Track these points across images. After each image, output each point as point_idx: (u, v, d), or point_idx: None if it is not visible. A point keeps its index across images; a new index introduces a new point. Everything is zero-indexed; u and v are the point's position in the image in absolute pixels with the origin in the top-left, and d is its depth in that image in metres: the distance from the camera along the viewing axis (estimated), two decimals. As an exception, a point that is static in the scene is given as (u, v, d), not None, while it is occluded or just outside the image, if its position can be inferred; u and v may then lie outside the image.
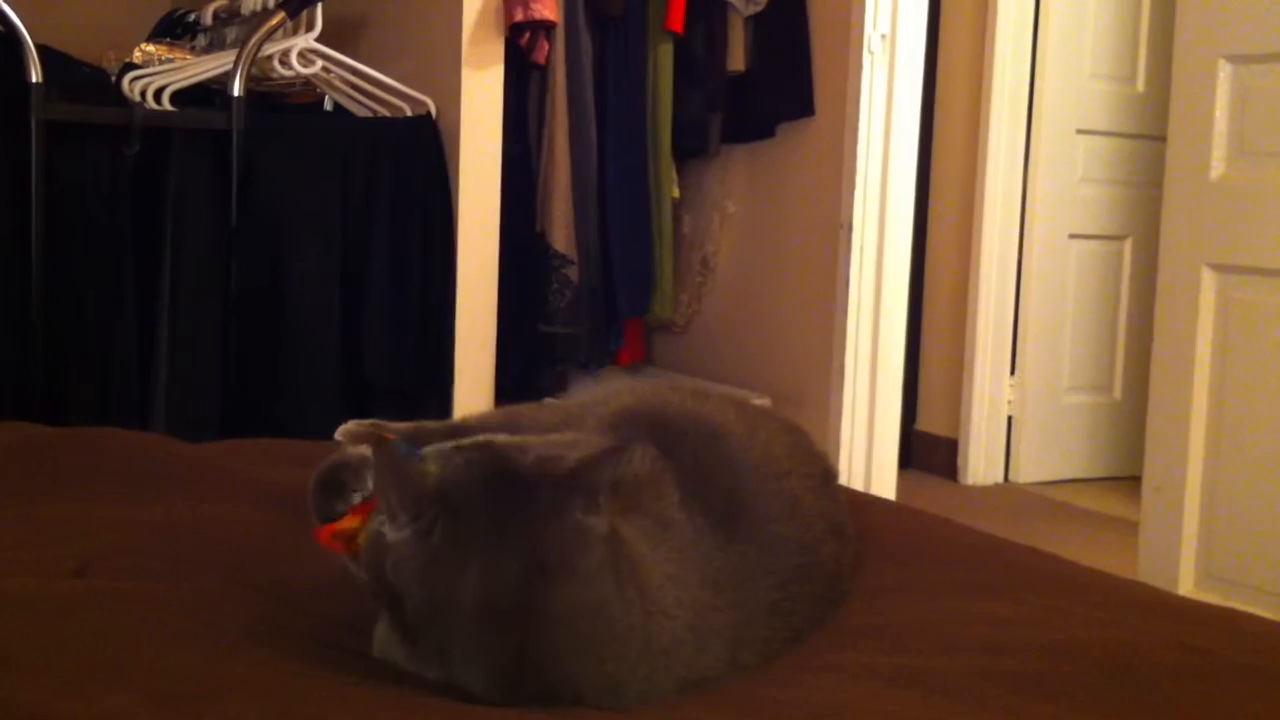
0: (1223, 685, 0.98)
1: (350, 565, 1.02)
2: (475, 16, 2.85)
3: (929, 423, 4.06)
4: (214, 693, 0.84)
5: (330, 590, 1.06)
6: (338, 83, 2.96)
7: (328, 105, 3.13)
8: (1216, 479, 2.55)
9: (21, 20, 2.46)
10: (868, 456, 3.18)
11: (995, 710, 0.91)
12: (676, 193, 3.50)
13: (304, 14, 2.77)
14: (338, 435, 1.27)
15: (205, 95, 2.81)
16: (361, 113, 2.98)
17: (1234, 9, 2.50)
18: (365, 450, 1.12)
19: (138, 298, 2.59)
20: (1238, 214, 2.50)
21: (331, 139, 2.80)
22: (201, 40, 3.14)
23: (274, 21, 2.69)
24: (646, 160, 3.34)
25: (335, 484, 1.10)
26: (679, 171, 3.51)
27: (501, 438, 0.95)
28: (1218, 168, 2.54)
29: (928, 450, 4.04)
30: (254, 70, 2.70)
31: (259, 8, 2.79)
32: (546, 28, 2.97)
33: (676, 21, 3.26)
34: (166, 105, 2.65)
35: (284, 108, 3.09)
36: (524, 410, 1.27)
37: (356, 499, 1.09)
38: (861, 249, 3.11)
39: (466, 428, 1.17)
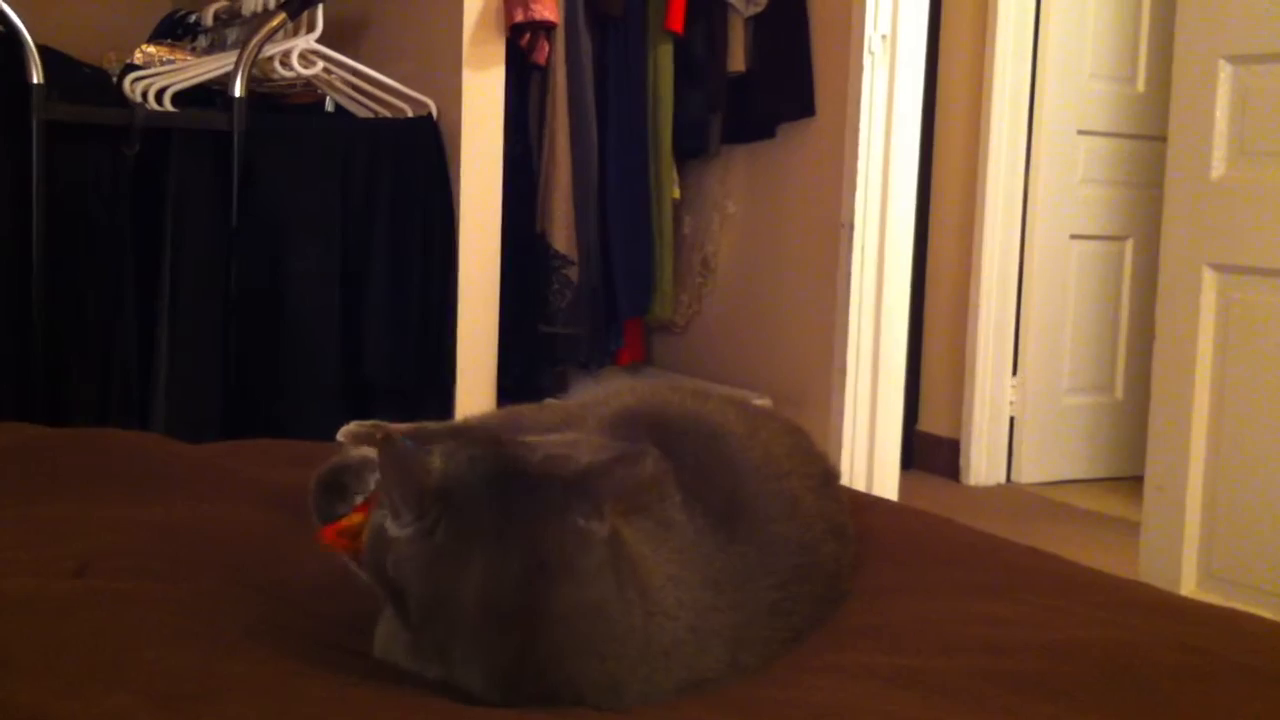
0: (1223, 685, 0.98)
1: (352, 564, 1.02)
2: (476, 17, 2.85)
3: (930, 423, 4.06)
4: (214, 693, 0.84)
5: (330, 590, 1.06)
6: (338, 84, 2.97)
7: (329, 106, 3.13)
8: (1218, 479, 2.55)
9: (22, 21, 2.46)
10: (869, 457, 3.18)
11: (995, 710, 0.91)
12: (677, 193, 3.50)
13: (305, 15, 2.77)
14: (339, 436, 1.27)
15: (206, 96, 2.81)
16: (362, 113, 2.98)
17: (1234, 9, 2.50)
18: (367, 452, 1.12)
19: (138, 298, 2.59)
20: (1238, 214, 2.50)
21: (332, 139, 2.80)
22: (202, 41, 3.14)
23: (275, 23, 2.69)
24: (647, 160, 3.34)
25: (336, 486, 1.10)
26: (679, 172, 3.51)
27: (506, 437, 0.95)
28: (1218, 168, 2.54)
29: (929, 451, 4.03)
30: (255, 71, 2.70)
31: (260, 9, 2.79)
32: (547, 28, 2.97)
33: (677, 22, 3.26)
34: (167, 106, 2.65)
35: (285, 108, 3.09)
36: (525, 411, 1.27)
37: (358, 501, 1.09)
38: (862, 249, 3.11)
39: (468, 429, 1.17)
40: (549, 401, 1.38)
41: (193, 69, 2.77)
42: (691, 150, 3.50)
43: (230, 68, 2.66)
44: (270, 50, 2.73)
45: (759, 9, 3.30)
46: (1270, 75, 2.46)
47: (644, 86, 3.32)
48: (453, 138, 2.87)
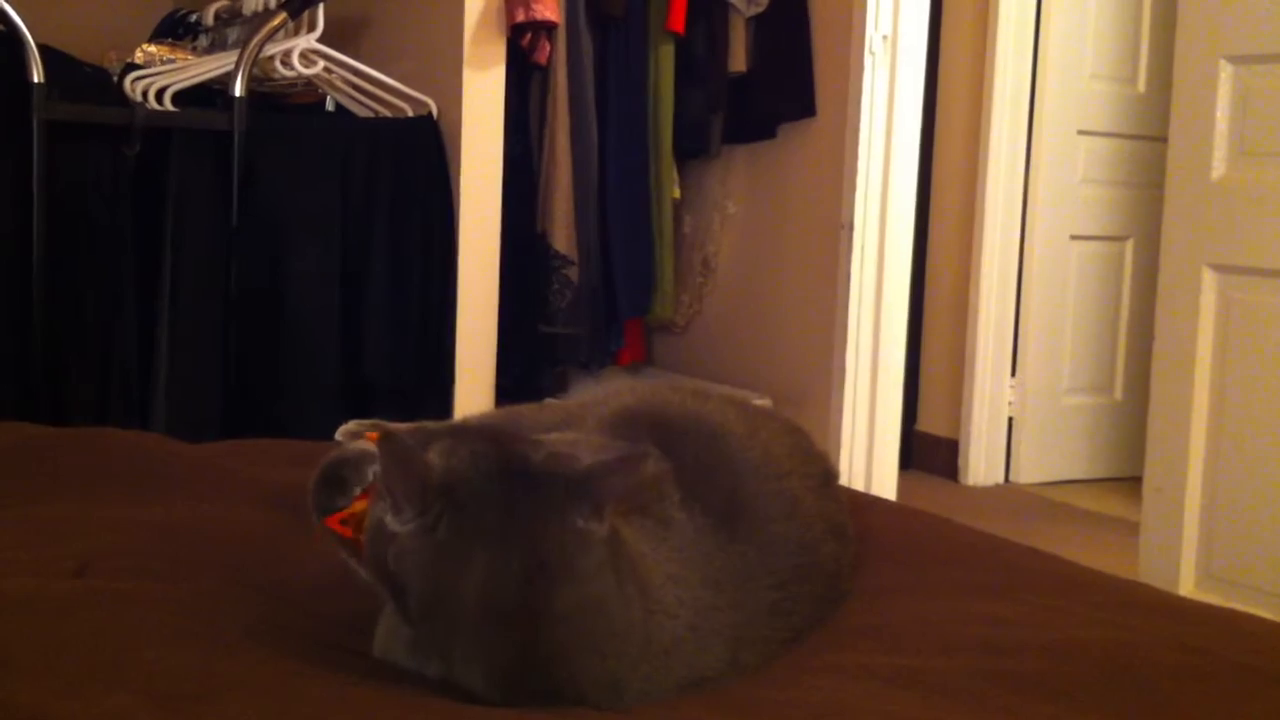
0: (1223, 685, 0.98)
1: (351, 561, 1.02)
2: (476, 17, 2.85)
3: (929, 423, 4.06)
4: (214, 693, 0.84)
5: (330, 590, 1.06)
6: (339, 83, 2.97)
7: (329, 106, 3.13)
8: (1217, 479, 2.55)
9: (23, 20, 2.46)
10: (868, 457, 3.18)
11: (994, 710, 0.91)
12: (677, 193, 3.50)
13: (305, 14, 2.77)
14: (338, 435, 1.27)
15: (207, 96, 2.81)
16: (363, 113, 2.98)
17: (1235, 9, 2.50)
18: (365, 444, 1.12)
19: (138, 298, 2.58)
20: (1239, 215, 2.50)
21: (332, 139, 2.80)
22: (203, 41, 3.14)
23: (275, 22, 2.69)
24: (647, 161, 3.34)
25: (337, 480, 1.10)
26: (680, 172, 3.51)
27: (508, 436, 0.95)
28: (1219, 168, 2.54)
29: (928, 451, 4.03)
30: (255, 71, 2.70)
31: (260, 8, 2.79)
32: (548, 28, 2.97)
33: (678, 22, 3.26)
34: (168, 105, 2.65)
35: (285, 108, 3.09)
36: (525, 410, 1.27)
37: (357, 494, 1.09)
38: (862, 249, 3.11)
39: (468, 428, 1.17)
40: (549, 401, 1.38)
41: (193, 68, 2.77)
42: (692, 150, 3.50)
43: (231, 67, 2.66)
44: (271, 50, 2.73)
45: (760, 9, 3.30)
46: (1270, 75, 2.46)
47: (644, 86, 3.32)
48: (453, 138, 2.87)
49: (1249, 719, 0.95)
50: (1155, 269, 2.73)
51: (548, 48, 3.02)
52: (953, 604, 1.15)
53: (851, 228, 3.10)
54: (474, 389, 2.88)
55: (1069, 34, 3.90)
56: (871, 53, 3.07)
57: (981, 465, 3.96)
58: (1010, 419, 3.98)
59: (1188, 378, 2.57)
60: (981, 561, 1.30)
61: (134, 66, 2.77)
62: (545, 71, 3.09)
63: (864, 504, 1.47)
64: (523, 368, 3.15)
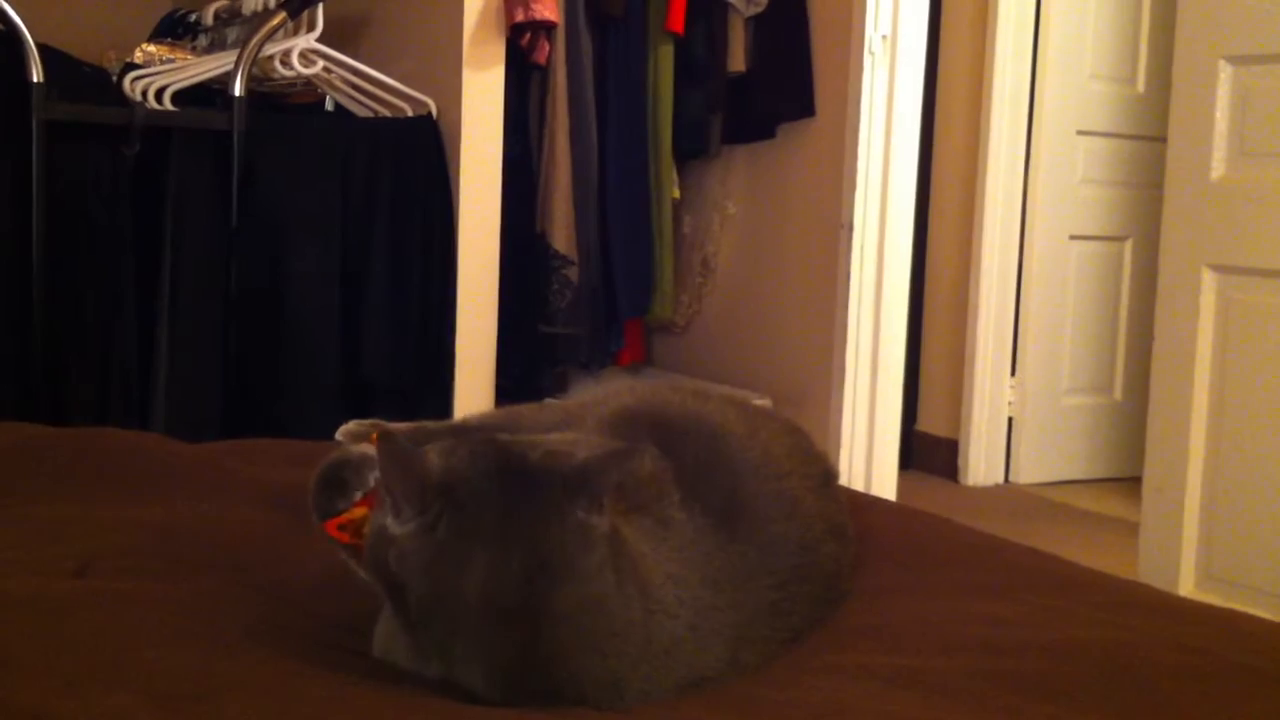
0: (1222, 685, 0.98)
1: (351, 561, 1.02)
2: (476, 17, 2.85)
3: (929, 423, 4.06)
4: (214, 693, 0.84)
5: (330, 590, 1.06)
6: (338, 83, 2.97)
7: (329, 105, 3.13)
8: (1217, 480, 2.55)
9: (22, 20, 2.46)
10: (868, 457, 3.18)
11: (994, 710, 0.91)
12: (677, 193, 3.50)
13: (305, 14, 2.77)
14: (338, 435, 1.27)
15: (206, 95, 2.81)
16: (362, 113, 2.98)
17: (1234, 10, 2.50)
18: (367, 447, 1.12)
19: (137, 298, 2.58)
20: (1238, 215, 2.50)
21: (332, 139, 2.80)
22: (202, 40, 3.14)
23: (275, 22, 2.69)
24: (647, 161, 3.34)
25: (337, 481, 1.10)
26: (679, 172, 3.51)
27: (507, 436, 0.95)
28: (1218, 169, 2.54)
29: (928, 451, 4.04)
30: (255, 70, 2.70)
31: (260, 8, 2.79)
32: (547, 28, 2.97)
33: (677, 22, 3.26)
34: (167, 105, 2.65)
35: (285, 108, 3.09)
36: (524, 410, 1.27)
37: (358, 497, 1.09)
38: (862, 249, 3.11)
39: (467, 428, 1.17)
40: (549, 402, 1.38)
41: (193, 68, 2.77)
42: (691, 150, 3.50)
43: (230, 67, 2.66)
44: (270, 49, 2.73)
45: (759, 9, 3.30)
46: (1270, 75, 2.46)
47: (644, 87, 3.32)
48: (452, 137, 2.87)
49: (1249, 719, 0.95)
50: (1155, 269, 2.73)
51: (547, 48, 3.02)
52: (953, 604, 1.15)
53: (851, 228, 3.10)
54: (474, 389, 2.88)
55: (1068, 34, 3.90)
56: (871, 53, 3.07)
57: (981, 465, 3.96)
58: (1010, 419, 3.98)
59: (1188, 378, 2.57)
60: (981, 562, 1.30)
61: (133, 66, 2.77)
62: (545, 71, 3.09)
63: (864, 504, 1.47)
64: (522, 368, 3.15)
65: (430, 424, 1.21)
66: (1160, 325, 2.67)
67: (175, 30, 3.21)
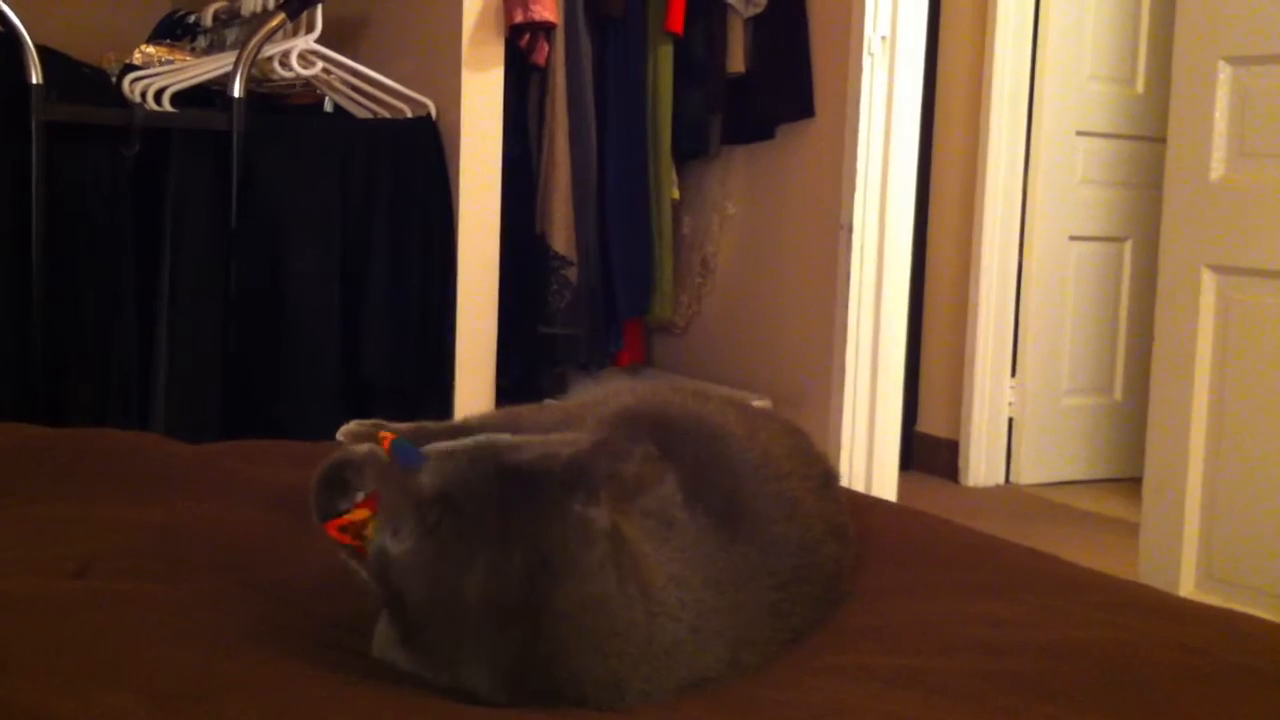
0: (1222, 686, 0.98)
1: (352, 562, 1.02)
2: (475, 18, 2.85)
3: (929, 424, 4.06)
4: (214, 693, 0.84)
5: (330, 590, 1.06)
6: (338, 84, 2.97)
7: (328, 106, 3.13)
8: (1217, 480, 2.55)
9: (22, 21, 2.46)
10: (868, 458, 3.18)
11: (994, 710, 0.91)
12: (676, 194, 3.50)
13: (304, 15, 2.77)
14: (339, 435, 1.27)
15: (205, 96, 2.81)
16: (361, 114, 2.98)
17: (1234, 10, 2.50)
18: (369, 447, 1.12)
19: (137, 298, 2.59)
20: (1238, 216, 2.50)
21: (331, 140, 2.80)
22: (202, 42, 3.14)
23: (274, 23, 2.69)
24: (646, 161, 3.34)
25: (338, 481, 1.10)
26: (679, 173, 3.51)
27: (503, 436, 0.95)
28: (1218, 169, 2.54)
29: (928, 452, 4.04)
30: (254, 71, 2.71)
31: (259, 9, 2.79)
32: (546, 29, 2.97)
33: (676, 23, 3.26)
34: (167, 106, 2.65)
35: (284, 109, 3.09)
36: (524, 411, 1.27)
37: (359, 498, 1.09)
38: (862, 250, 3.11)
39: (467, 428, 1.17)
40: (549, 402, 1.38)
41: (192, 69, 2.77)
42: (691, 151, 3.50)
43: (229, 68, 2.66)
44: (269, 50, 2.73)
45: (759, 10, 3.30)
46: (1270, 76, 2.46)
47: (643, 87, 3.32)
48: (452, 138, 2.87)
49: (1249, 719, 0.95)
50: (1154, 269, 2.73)
51: (546, 48, 3.02)
52: (953, 604, 1.15)
53: (851, 228, 3.10)
54: (474, 389, 2.88)
55: (1068, 35, 3.90)
56: (870, 53, 3.07)
57: (981, 466, 3.96)
58: (1010, 419, 3.98)
59: (1187, 378, 2.57)
60: (981, 562, 1.31)
61: (132, 67, 2.77)
62: (544, 72, 3.09)
63: (864, 505, 1.47)
64: (522, 368, 3.15)
65: (430, 424, 1.21)
66: (1160, 326, 2.67)
67: (174, 31, 3.21)
